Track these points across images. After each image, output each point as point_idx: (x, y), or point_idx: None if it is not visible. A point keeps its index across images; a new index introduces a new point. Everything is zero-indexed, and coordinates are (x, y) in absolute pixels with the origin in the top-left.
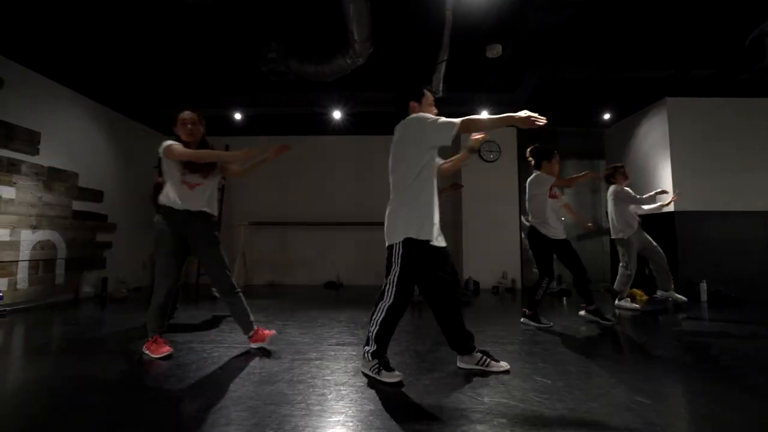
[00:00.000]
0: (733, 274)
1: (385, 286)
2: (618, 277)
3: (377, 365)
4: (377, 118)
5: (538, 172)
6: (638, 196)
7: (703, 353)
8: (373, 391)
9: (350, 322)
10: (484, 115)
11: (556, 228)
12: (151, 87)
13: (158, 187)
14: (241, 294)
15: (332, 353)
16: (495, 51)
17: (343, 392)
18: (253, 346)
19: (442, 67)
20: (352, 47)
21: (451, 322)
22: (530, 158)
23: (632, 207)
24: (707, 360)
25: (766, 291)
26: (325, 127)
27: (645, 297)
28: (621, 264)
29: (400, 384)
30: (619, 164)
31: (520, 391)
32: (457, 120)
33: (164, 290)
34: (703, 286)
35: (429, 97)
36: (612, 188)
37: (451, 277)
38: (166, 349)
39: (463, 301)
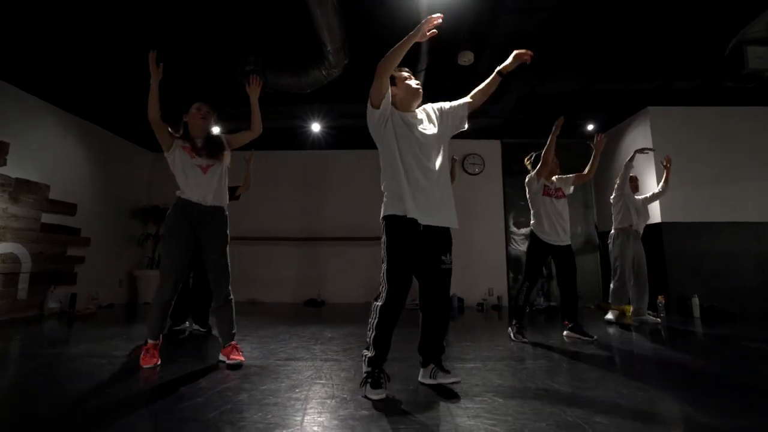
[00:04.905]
0: (726, 288)
1: (380, 284)
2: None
3: (367, 376)
4: (357, 132)
5: (530, 174)
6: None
7: (679, 372)
8: (299, 405)
9: (312, 338)
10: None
11: (550, 232)
12: (128, 100)
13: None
14: (233, 303)
15: (274, 368)
16: (467, 58)
17: (265, 407)
18: (221, 357)
19: (421, 77)
20: (327, 58)
21: (429, 321)
22: (529, 169)
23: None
24: (683, 380)
25: (762, 305)
26: (305, 141)
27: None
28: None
29: (381, 399)
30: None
31: (462, 410)
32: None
33: (170, 288)
34: (695, 301)
35: (402, 75)
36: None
37: (444, 265)
38: (154, 361)
39: None
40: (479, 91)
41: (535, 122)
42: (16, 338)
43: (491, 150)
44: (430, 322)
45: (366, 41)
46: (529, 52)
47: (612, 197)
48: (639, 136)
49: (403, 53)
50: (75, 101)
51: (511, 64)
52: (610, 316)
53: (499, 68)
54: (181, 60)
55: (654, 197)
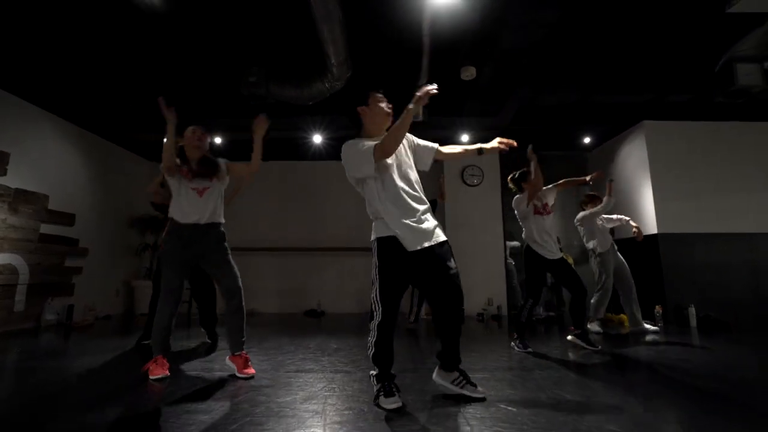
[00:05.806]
0: (721, 298)
1: (371, 305)
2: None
3: (378, 390)
4: None
5: (518, 195)
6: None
7: (686, 382)
8: (318, 419)
9: (318, 349)
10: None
11: (547, 247)
12: (129, 110)
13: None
14: (244, 310)
15: (285, 380)
16: (469, 73)
17: (284, 419)
18: (230, 364)
19: None
20: (330, 71)
21: (444, 328)
22: (512, 187)
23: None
24: (690, 389)
25: (755, 315)
26: (306, 152)
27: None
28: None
29: (399, 410)
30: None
31: (478, 420)
32: (372, 146)
33: (169, 312)
34: (692, 311)
35: (376, 96)
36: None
37: (451, 278)
38: (163, 372)
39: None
40: (452, 153)
41: (534, 134)
42: (14, 351)
43: (490, 162)
44: (448, 328)
45: (369, 54)
46: (511, 143)
47: (579, 223)
48: (635, 149)
49: (408, 126)
50: (75, 110)
51: (491, 149)
52: (596, 327)
53: (480, 146)
54: (185, 70)
55: (612, 221)
